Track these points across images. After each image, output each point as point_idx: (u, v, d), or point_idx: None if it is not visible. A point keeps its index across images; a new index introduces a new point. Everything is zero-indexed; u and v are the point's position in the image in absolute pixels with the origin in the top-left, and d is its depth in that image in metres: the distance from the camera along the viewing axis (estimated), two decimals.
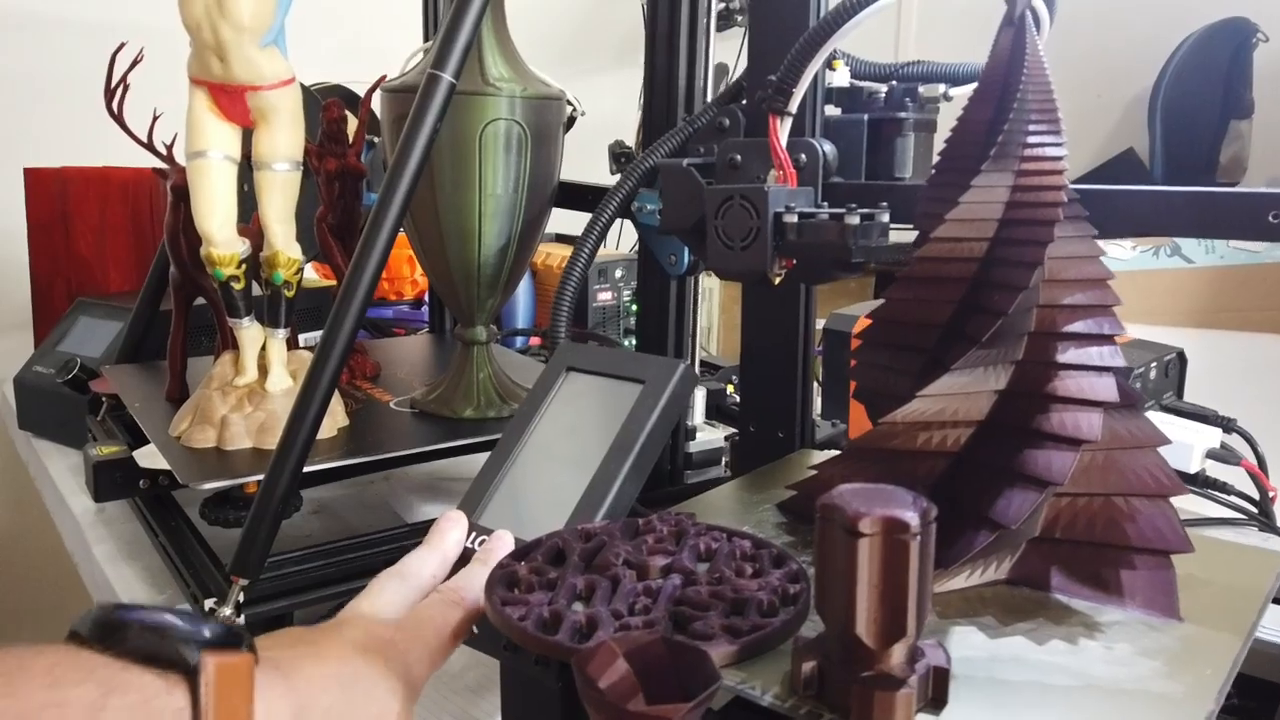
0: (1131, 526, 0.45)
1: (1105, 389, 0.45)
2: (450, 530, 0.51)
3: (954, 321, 0.48)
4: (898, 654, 0.35)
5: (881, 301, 0.51)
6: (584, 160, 0.95)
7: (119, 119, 0.82)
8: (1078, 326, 0.46)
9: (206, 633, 0.30)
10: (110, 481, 0.78)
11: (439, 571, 0.48)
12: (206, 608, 0.63)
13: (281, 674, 0.35)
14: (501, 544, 0.50)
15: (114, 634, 0.29)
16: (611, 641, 0.35)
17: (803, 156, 0.61)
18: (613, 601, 0.41)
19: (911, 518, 0.34)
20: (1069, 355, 0.45)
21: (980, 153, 0.48)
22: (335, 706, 0.36)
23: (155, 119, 0.83)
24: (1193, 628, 0.42)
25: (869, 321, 0.52)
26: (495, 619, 0.41)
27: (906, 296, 0.49)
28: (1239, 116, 1.95)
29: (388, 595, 0.45)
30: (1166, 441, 0.47)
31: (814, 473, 0.53)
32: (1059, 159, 0.47)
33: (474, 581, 0.46)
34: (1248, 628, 0.42)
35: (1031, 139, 0.47)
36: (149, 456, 0.75)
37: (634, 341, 0.90)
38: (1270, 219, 0.46)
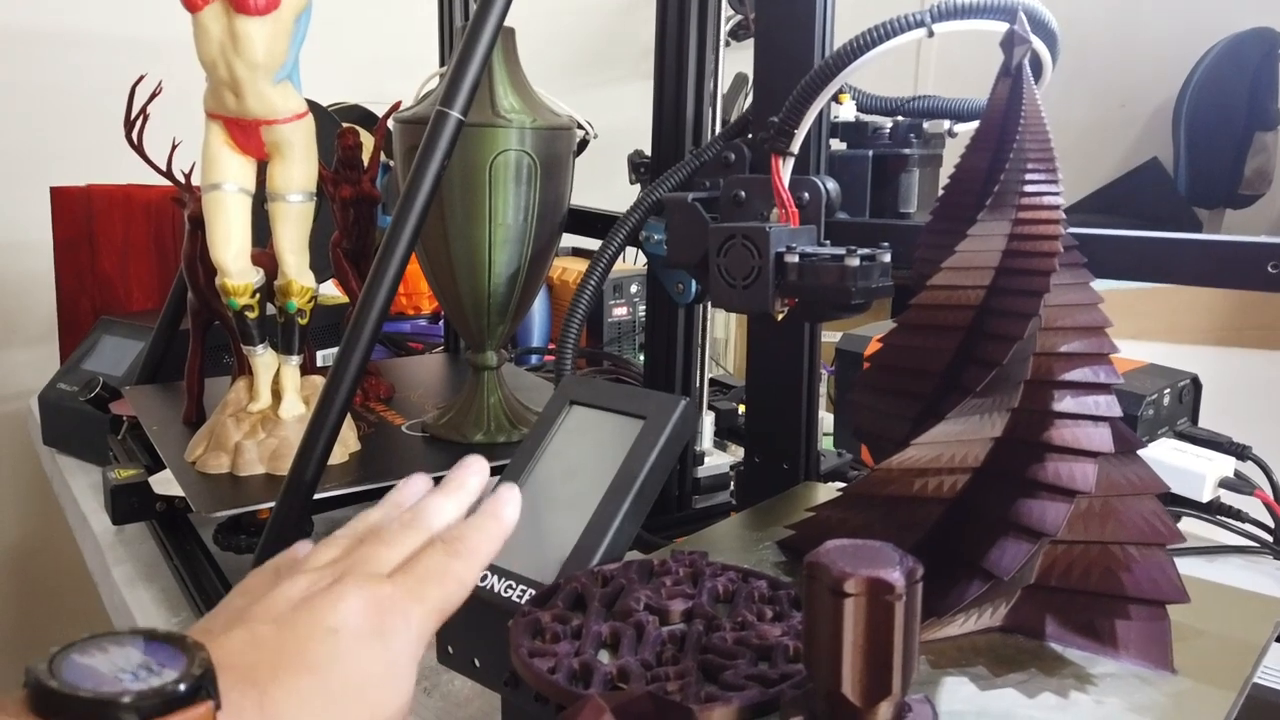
0: (1127, 575, 0.45)
1: (1100, 439, 0.45)
2: (470, 476, 0.46)
3: (951, 370, 0.48)
4: (883, 712, 0.35)
5: (891, 329, 0.51)
6: (606, 168, 0.95)
7: (139, 149, 0.83)
8: (1074, 375, 0.46)
9: (156, 684, 0.28)
10: (128, 505, 0.79)
11: (456, 521, 0.44)
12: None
13: (256, 692, 0.33)
14: (511, 502, 0.45)
15: (51, 705, 0.27)
16: (599, 697, 0.35)
17: (806, 195, 0.61)
18: (639, 650, 0.41)
19: (897, 578, 0.34)
20: (1065, 404, 0.45)
21: (977, 200, 0.48)
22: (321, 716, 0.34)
23: (174, 148, 0.85)
24: (1186, 681, 0.42)
25: (879, 345, 0.52)
26: (525, 674, 0.41)
27: (903, 343, 0.50)
28: (1264, 128, 1.93)
29: (401, 546, 0.41)
30: (1166, 489, 0.47)
31: (812, 514, 0.53)
32: (1056, 207, 0.47)
33: (480, 534, 0.42)
34: (1241, 681, 0.42)
35: (1029, 187, 0.47)
36: (164, 483, 0.76)
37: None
38: (1270, 269, 0.46)
